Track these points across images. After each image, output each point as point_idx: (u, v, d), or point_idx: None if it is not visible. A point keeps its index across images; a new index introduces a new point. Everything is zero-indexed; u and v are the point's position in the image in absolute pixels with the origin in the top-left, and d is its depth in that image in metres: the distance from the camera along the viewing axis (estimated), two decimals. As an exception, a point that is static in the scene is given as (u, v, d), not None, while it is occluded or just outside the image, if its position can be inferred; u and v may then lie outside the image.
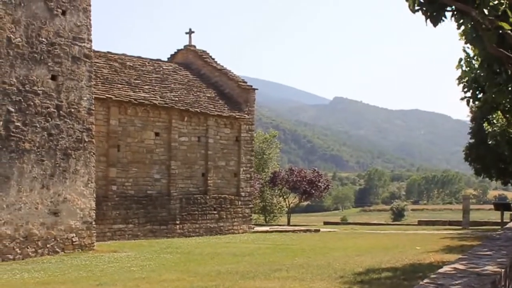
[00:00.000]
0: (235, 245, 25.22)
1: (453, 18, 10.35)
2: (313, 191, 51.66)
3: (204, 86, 33.97)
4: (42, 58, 21.03)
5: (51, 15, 21.41)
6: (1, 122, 19.73)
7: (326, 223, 56.07)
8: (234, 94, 34.23)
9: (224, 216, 32.14)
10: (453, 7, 9.84)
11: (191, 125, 30.79)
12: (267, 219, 56.82)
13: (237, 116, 32.79)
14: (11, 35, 20.25)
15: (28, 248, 20.33)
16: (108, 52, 31.71)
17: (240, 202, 33.06)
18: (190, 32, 36.77)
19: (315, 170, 54.73)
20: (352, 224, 54.23)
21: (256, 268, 17.00)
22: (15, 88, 20.16)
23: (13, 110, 20.04)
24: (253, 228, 34.04)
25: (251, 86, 34.78)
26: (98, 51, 29.47)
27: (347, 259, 18.73)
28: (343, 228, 43.23)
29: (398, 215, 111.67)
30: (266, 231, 34.44)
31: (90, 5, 22.78)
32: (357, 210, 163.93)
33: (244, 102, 33.92)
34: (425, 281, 7.86)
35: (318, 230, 36.30)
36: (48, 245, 20.93)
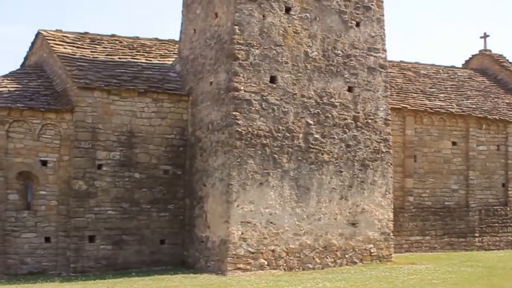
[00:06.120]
0: (541, 260, 23.70)
1: None
2: None
3: (502, 92, 32.37)
4: (338, 70, 21.39)
5: (345, 27, 21.72)
6: (301, 135, 20.39)
7: None
8: (536, 99, 32.23)
9: (527, 229, 30.28)
10: None
11: (490, 133, 29.43)
12: None
13: (539, 123, 30.75)
14: (308, 49, 20.89)
15: (327, 258, 20.71)
16: (401, 61, 31.47)
17: (544, 214, 30.96)
18: (485, 36, 35.32)
19: None
20: None
21: None
22: (313, 101, 20.75)
23: (312, 122, 20.62)
24: (558, 242, 31.71)
25: (557, 89, 32.50)
26: (391, 61, 29.32)
27: None
28: None
29: None
30: None
31: (383, 15, 22.75)
32: None
33: (548, 107, 31.76)
34: None
35: None
36: (346, 256, 21.13)
